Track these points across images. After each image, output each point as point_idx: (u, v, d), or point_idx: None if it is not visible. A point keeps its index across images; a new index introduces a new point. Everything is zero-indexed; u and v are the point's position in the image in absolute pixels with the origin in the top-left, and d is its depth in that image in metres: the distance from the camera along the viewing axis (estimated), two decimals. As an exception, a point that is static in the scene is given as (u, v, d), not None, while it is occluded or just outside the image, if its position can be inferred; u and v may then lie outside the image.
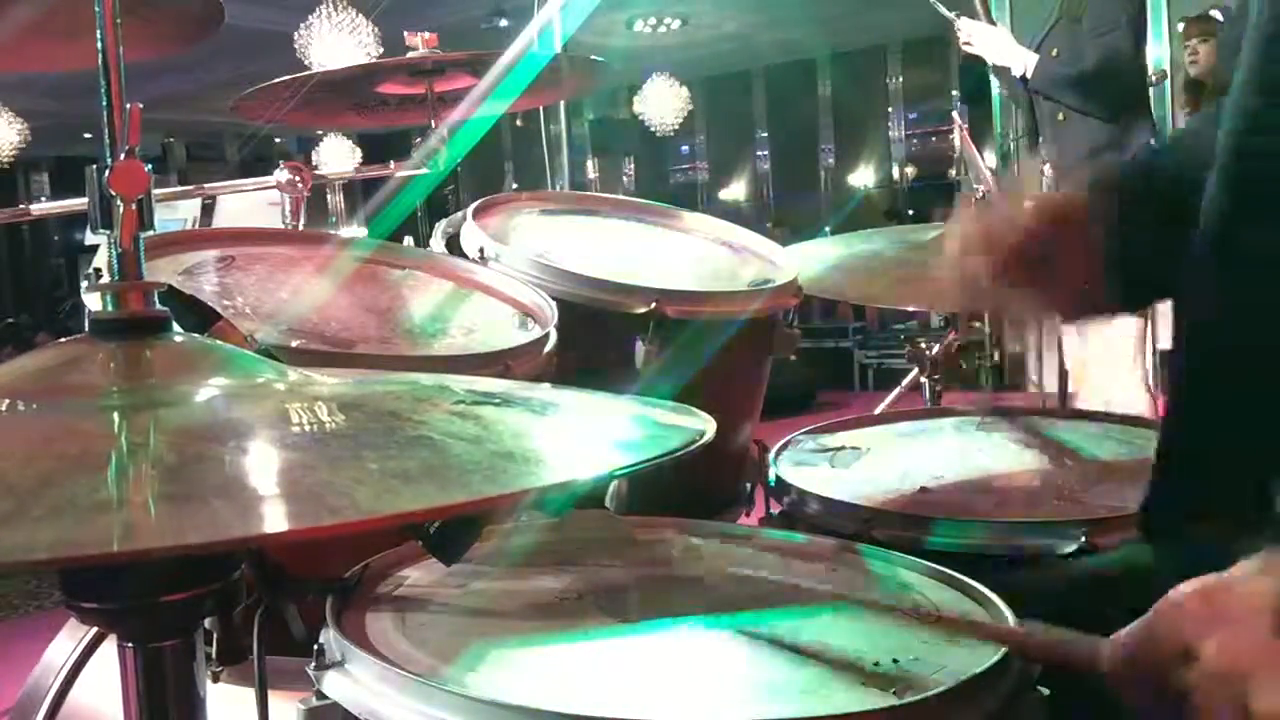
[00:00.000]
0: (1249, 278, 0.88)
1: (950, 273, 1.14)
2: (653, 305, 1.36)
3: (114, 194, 0.68)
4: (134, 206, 0.69)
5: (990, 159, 6.66)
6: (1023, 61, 3.47)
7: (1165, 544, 0.93)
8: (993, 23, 3.59)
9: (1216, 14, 4.72)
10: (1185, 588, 0.66)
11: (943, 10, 3.57)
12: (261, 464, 0.55)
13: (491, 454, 0.60)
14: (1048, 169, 3.71)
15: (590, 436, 0.71)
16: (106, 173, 0.68)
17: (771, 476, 1.37)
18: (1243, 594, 0.63)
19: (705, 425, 0.69)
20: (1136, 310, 1.23)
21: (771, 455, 1.45)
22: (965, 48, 3.68)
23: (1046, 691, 0.73)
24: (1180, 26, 5.05)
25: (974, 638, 0.77)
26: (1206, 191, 0.92)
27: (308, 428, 0.58)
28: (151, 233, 0.71)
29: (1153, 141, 3.53)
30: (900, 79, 11.05)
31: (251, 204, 2.96)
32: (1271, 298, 0.85)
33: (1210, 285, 0.92)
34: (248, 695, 0.79)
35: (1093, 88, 3.40)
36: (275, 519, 0.47)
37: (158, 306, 0.70)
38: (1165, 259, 1.01)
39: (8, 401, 0.60)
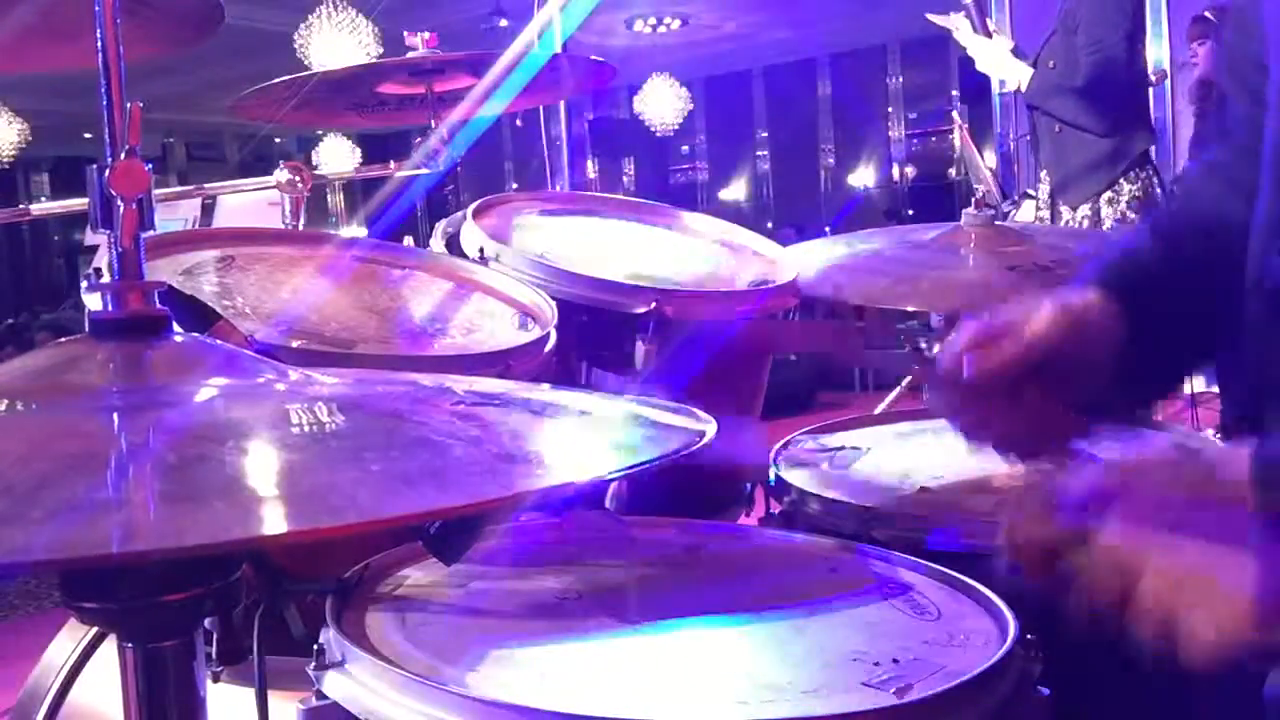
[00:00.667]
0: None
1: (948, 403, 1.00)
2: (653, 305, 1.36)
3: (114, 193, 0.68)
4: (134, 206, 0.69)
5: (990, 159, 6.66)
6: (1017, 75, 3.46)
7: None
8: (989, 35, 3.57)
9: (1209, 15, 4.71)
10: (1096, 466, 0.67)
11: (942, 23, 3.56)
12: (262, 465, 0.55)
13: (492, 455, 0.60)
14: (1045, 178, 3.72)
15: (590, 437, 0.71)
16: (107, 172, 0.68)
17: (771, 476, 1.37)
18: (1146, 476, 0.66)
19: (705, 425, 0.69)
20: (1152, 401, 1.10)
21: (771, 455, 1.45)
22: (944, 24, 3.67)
23: (1046, 691, 0.73)
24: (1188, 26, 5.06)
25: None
26: (1260, 198, 0.90)
27: (308, 428, 0.58)
28: (151, 233, 0.71)
29: (1151, 151, 3.53)
30: (900, 79, 11.05)
31: (251, 204, 2.96)
32: None
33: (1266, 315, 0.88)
34: (248, 695, 0.79)
35: (1087, 101, 3.39)
36: (276, 520, 0.47)
37: (158, 306, 0.70)
38: (1193, 337, 0.99)
39: (7, 401, 0.60)
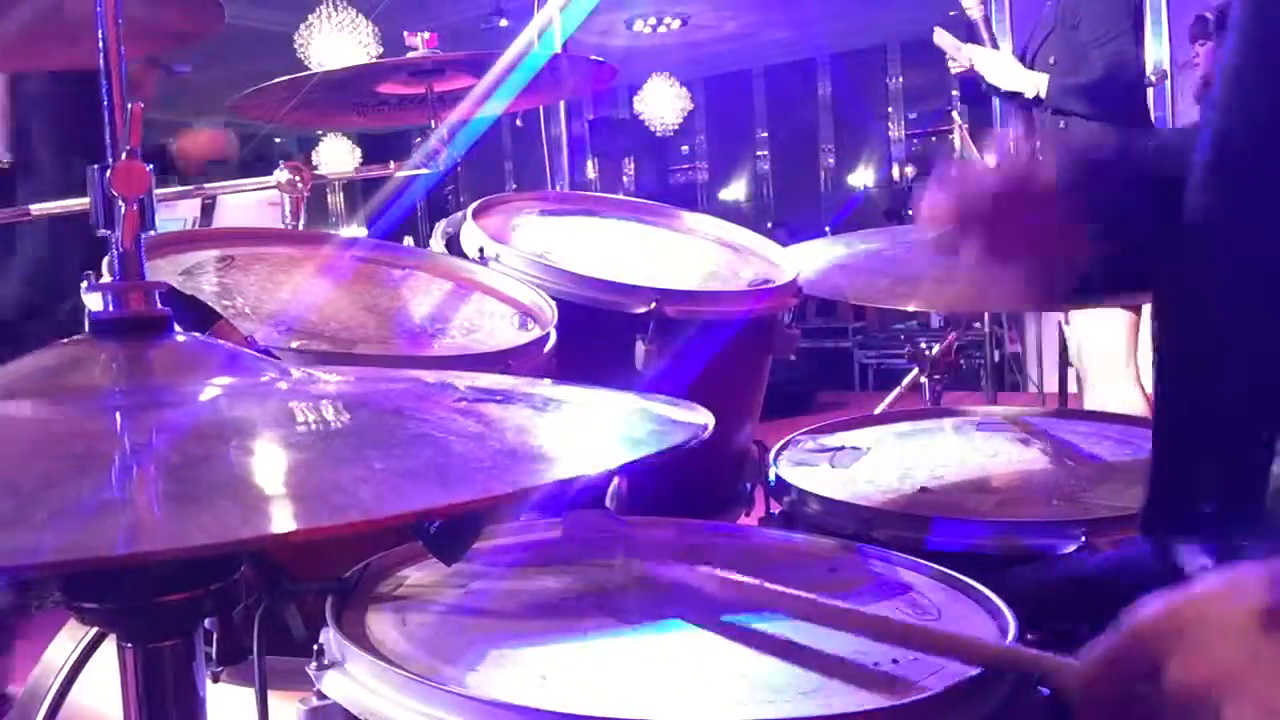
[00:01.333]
0: (1230, 260, 0.87)
1: (930, 242, 1.11)
2: (653, 305, 1.36)
3: (115, 194, 0.68)
4: (135, 206, 0.69)
5: (990, 159, 6.65)
6: (1034, 83, 3.45)
7: (1162, 543, 0.93)
8: (996, 45, 3.57)
9: (1209, 14, 4.71)
10: (1150, 603, 0.64)
11: (952, 53, 3.54)
12: (265, 463, 0.55)
13: (495, 451, 0.60)
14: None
15: (592, 433, 0.71)
16: (108, 173, 0.69)
17: (771, 476, 1.37)
18: (1209, 608, 0.62)
19: (706, 420, 0.69)
20: (1123, 299, 1.17)
21: (771, 455, 1.45)
22: (955, 68, 3.66)
23: (1047, 691, 0.73)
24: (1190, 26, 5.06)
25: (935, 653, 0.75)
26: (1190, 179, 0.92)
27: (311, 426, 0.58)
28: (151, 233, 0.71)
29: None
30: (900, 79, 11.04)
31: (251, 204, 2.96)
32: (1251, 279, 0.85)
33: (1191, 270, 0.91)
34: (248, 695, 0.79)
35: (1103, 94, 3.40)
36: (280, 519, 0.47)
37: (159, 306, 0.70)
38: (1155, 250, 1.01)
39: (10, 402, 0.60)
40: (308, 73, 1.99)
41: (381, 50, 6.30)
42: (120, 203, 0.68)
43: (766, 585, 0.82)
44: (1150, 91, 5.99)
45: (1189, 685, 0.60)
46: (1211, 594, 0.64)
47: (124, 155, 0.69)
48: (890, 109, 11.20)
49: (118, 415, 0.60)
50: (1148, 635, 0.63)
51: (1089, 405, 3.20)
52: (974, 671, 0.70)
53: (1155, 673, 0.62)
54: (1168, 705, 0.61)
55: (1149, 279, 1.04)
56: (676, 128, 9.91)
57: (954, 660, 0.74)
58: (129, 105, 0.69)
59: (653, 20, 9.46)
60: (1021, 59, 3.54)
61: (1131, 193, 1.04)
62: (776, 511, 1.33)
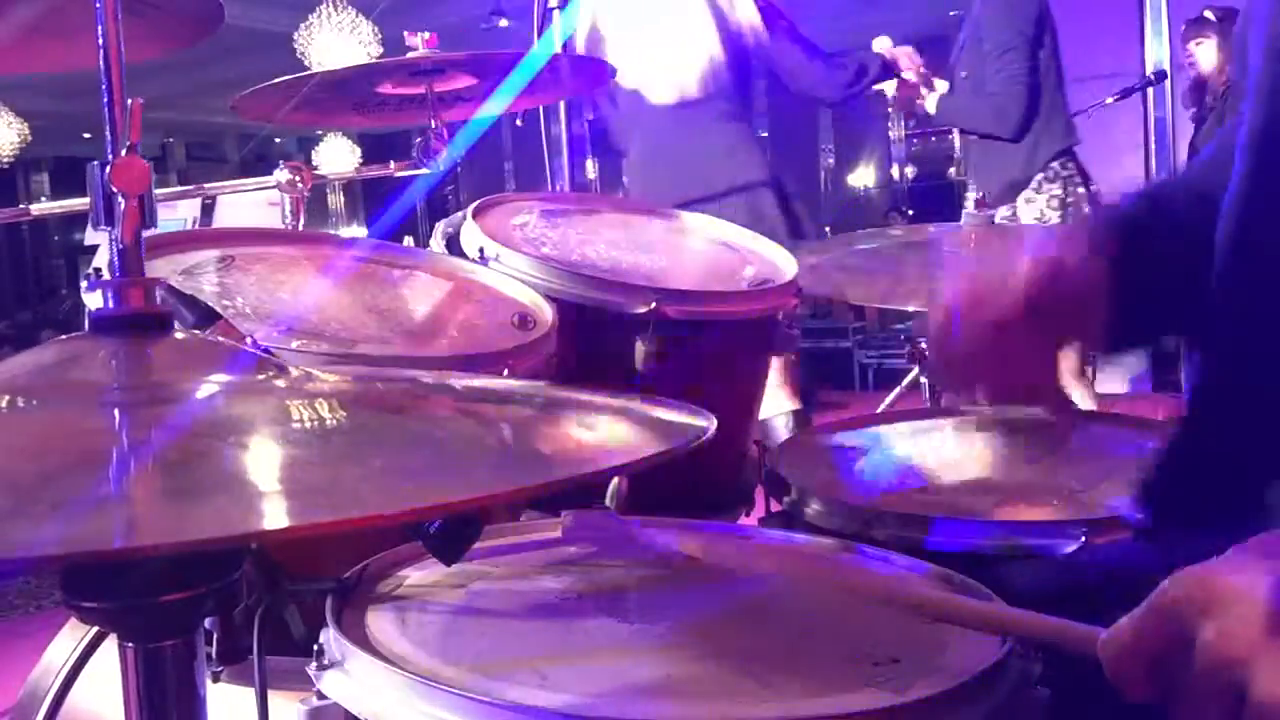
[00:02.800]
0: (1269, 283, 0.86)
1: (937, 348, 1.02)
2: (653, 305, 1.36)
3: (116, 190, 0.68)
4: (135, 203, 0.69)
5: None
6: (934, 100, 3.41)
7: (1163, 543, 0.93)
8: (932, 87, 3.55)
9: (1209, 14, 4.71)
10: (1182, 575, 0.64)
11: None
12: (264, 461, 0.55)
13: (494, 450, 0.60)
14: (972, 186, 3.77)
15: (593, 433, 0.71)
16: (108, 169, 0.68)
17: (771, 476, 1.37)
18: (1239, 578, 0.62)
19: (707, 422, 0.69)
20: (1136, 350, 1.12)
21: (772, 455, 1.45)
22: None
23: (1047, 691, 0.73)
24: (1182, 29, 5.07)
25: (969, 625, 0.77)
26: (1228, 195, 0.91)
27: (309, 424, 0.58)
28: (151, 232, 0.71)
29: (1074, 149, 3.56)
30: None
31: (251, 204, 2.96)
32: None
33: (1232, 293, 0.90)
34: (248, 695, 0.79)
35: (996, 108, 3.40)
36: (278, 516, 0.47)
37: (159, 303, 0.70)
38: (1175, 293, 0.99)
39: (9, 398, 0.60)
40: (308, 73, 1.99)
41: (381, 50, 6.30)
42: (120, 199, 0.68)
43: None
44: (1150, 91, 6.00)
45: (1219, 655, 0.60)
46: (1243, 564, 0.63)
47: (124, 151, 0.69)
48: (890, 109, 11.20)
49: (117, 411, 0.60)
50: (1180, 604, 0.63)
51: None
52: (974, 671, 0.70)
53: (1187, 643, 0.62)
54: (1198, 676, 0.61)
55: (1179, 325, 1.03)
56: (677, 128, 9.90)
57: (975, 629, 0.74)
58: (129, 101, 0.69)
59: (653, 20, 9.45)
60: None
61: (1163, 244, 1.02)
62: (776, 511, 1.33)
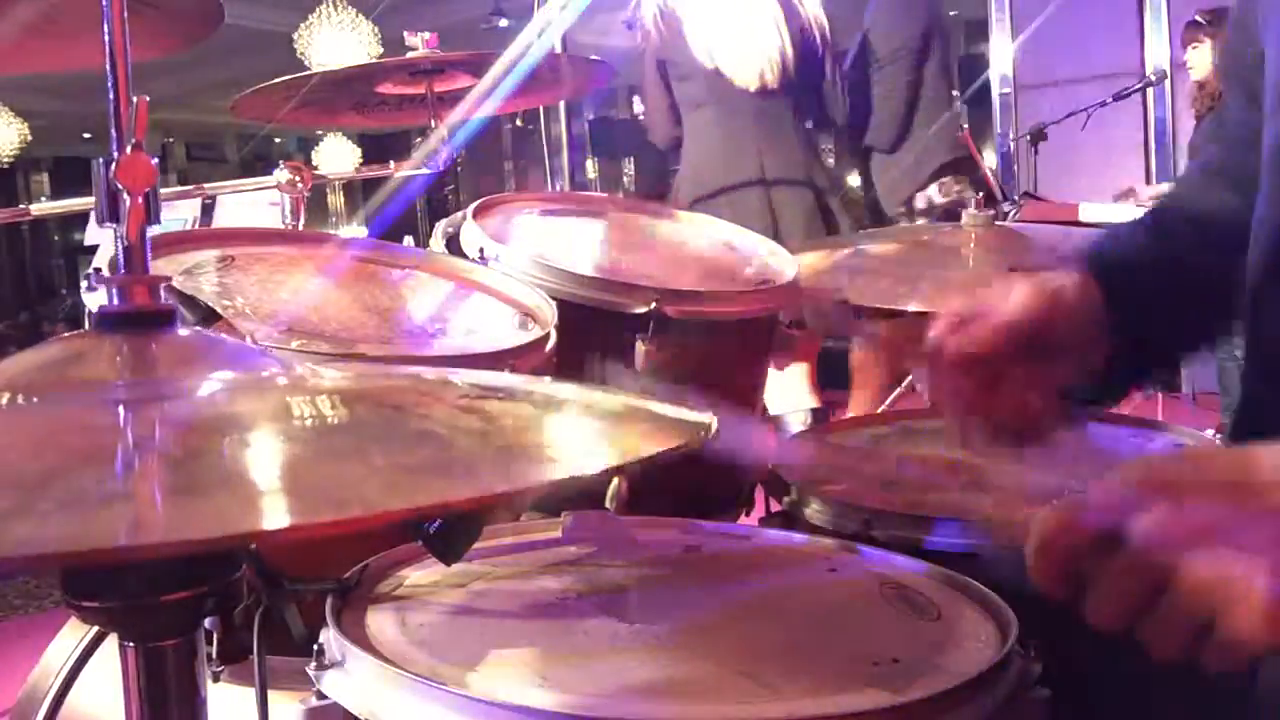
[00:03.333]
0: None
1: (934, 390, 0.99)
2: (653, 305, 1.36)
3: (120, 187, 0.68)
4: (140, 200, 0.69)
5: (990, 159, 6.66)
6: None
7: None
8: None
9: (1200, 18, 4.71)
10: (1132, 462, 0.64)
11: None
12: (266, 458, 0.55)
13: (497, 448, 0.60)
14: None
15: (594, 432, 0.71)
16: (113, 166, 0.68)
17: (771, 477, 1.37)
18: (1194, 470, 0.62)
19: (709, 422, 0.69)
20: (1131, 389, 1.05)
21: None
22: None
23: (1047, 692, 0.73)
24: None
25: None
26: (1256, 217, 0.90)
27: (311, 422, 0.58)
28: (152, 231, 0.71)
29: (961, 160, 3.59)
30: (900, 79, 11.04)
31: (251, 204, 2.96)
32: None
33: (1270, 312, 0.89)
34: (248, 695, 0.79)
35: (873, 124, 3.40)
36: (280, 514, 0.47)
37: (163, 300, 0.70)
38: (1176, 326, 0.98)
39: (11, 395, 0.60)
40: (308, 73, 1.99)
41: (381, 50, 6.30)
42: (125, 196, 0.68)
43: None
44: (1150, 91, 5.99)
45: (1157, 539, 0.59)
46: (1204, 460, 0.63)
47: (129, 148, 0.69)
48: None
49: (121, 409, 0.60)
50: (1121, 488, 0.62)
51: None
52: (974, 671, 0.70)
53: (1119, 530, 0.61)
54: (1130, 561, 0.60)
55: (1176, 361, 1.01)
56: (677, 128, 9.89)
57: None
58: (134, 99, 0.69)
59: (653, 20, 9.45)
60: None
61: (1164, 277, 1.00)
62: (776, 511, 1.33)
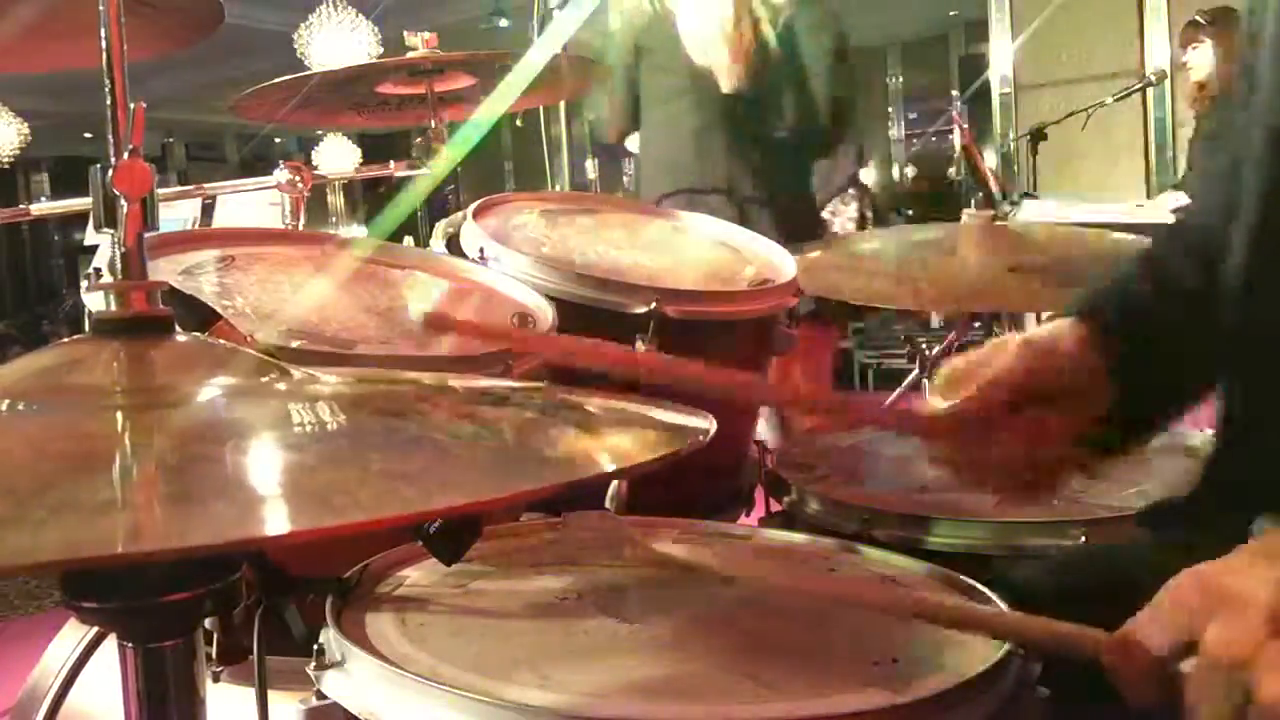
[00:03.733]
0: None
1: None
2: (653, 305, 1.36)
3: (117, 193, 0.68)
4: (137, 206, 0.69)
5: (990, 159, 6.66)
6: None
7: (1168, 543, 0.93)
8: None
9: (1200, 18, 4.70)
10: (1184, 575, 0.64)
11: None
12: (264, 464, 0.55)
13: (494, 453, 0.60)
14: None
15: (593, 436, 0.71)
16: (110, 172, 0.68)
17: (771, 477, 1.37)
18: (1243, 580, 0.62)
19: (707, 424, 0.69)
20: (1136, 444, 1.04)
21: (772, 455, 1.45)
22: None
23: (1047, 692, 0.73)
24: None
25: (972, 630, 0.77)
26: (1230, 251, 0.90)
27: (309, 427, 0.58)
28: (152, 232, 0.71)
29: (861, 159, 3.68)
30: (900, 79, 11.03)
31: (252, 204, 2.96)
32: None
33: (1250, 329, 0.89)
34: (248, 695, 0.79)
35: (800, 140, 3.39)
36: (278, 520, 0.47)
37: (161, 306, 0.70)
38: (1183, 371, 0.97)
39: (10, 401, 0.60)
40: (308, 73, 1.99)
41: (381, 50, 6.29)
42: (123, 202, 0.68)
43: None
44: (1150, 91, 5.99)
45: (1223, 657, 0.60)
46: (1246, 565, 0.63)
47: (126, 154, 0.69)
48: (890, 109, 11.20)
49: (118, 415, 0.60)
50: (1183, 606, 0.63)
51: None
52: (974, 671, 0.70)
53: (1190, 646, 0.62)
54: (1202, 678, 0.61)
55: (1184, 407, 1.01)
56: (677, 128, 9.89)
57: (982, 635, 0.75)
58: (131, 105, 0.69)
59: (653, 20, 9.45)
60: None
61: (1163, 305, 0.99)
62: (776, 511, 1.33)
